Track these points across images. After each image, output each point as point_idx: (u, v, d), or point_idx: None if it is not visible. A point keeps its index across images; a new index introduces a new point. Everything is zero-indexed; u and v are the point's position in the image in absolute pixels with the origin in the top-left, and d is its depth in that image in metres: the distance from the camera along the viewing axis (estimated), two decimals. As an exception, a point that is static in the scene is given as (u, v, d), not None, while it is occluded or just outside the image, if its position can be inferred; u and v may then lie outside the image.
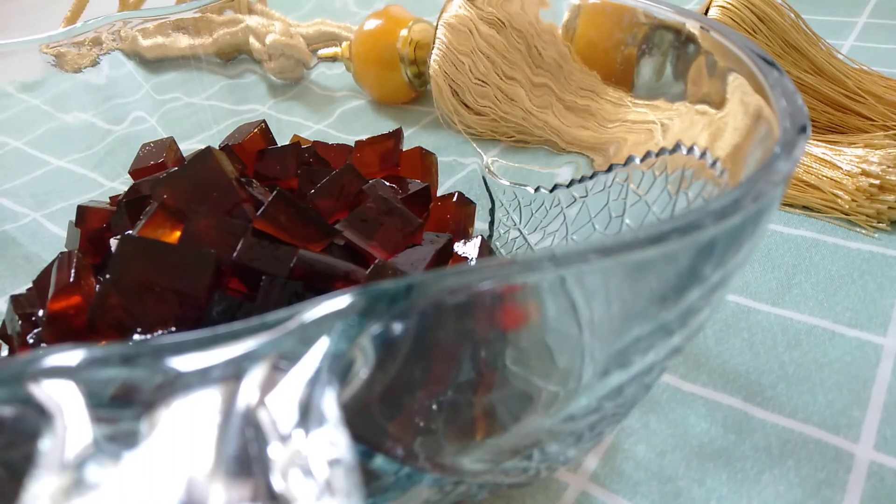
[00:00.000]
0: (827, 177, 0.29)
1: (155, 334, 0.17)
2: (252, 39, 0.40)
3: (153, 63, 0.34)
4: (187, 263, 0.18)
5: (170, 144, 0.26)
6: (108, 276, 0.18)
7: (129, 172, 0.25)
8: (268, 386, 0.09)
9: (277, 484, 0.08)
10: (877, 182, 0.28)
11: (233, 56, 0.38)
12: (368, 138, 0.28)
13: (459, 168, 0.32)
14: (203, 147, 0.22)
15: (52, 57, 0.31)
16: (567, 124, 0.29)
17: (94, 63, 0.32)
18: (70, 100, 0.32)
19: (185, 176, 0.21)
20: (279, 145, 0.26)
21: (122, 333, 0.18)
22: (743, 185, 0.12)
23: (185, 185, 0.20)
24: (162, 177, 0.21)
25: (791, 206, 0.29)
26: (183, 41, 0.35)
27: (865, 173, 0.28)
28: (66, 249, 0.22)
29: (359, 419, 0.11)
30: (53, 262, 0.21)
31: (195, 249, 0.18)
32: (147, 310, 0.17)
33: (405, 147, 0.28)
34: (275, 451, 0.08)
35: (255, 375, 0.09)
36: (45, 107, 0.32)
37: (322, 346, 0.09)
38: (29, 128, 0.32)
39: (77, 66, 0.32)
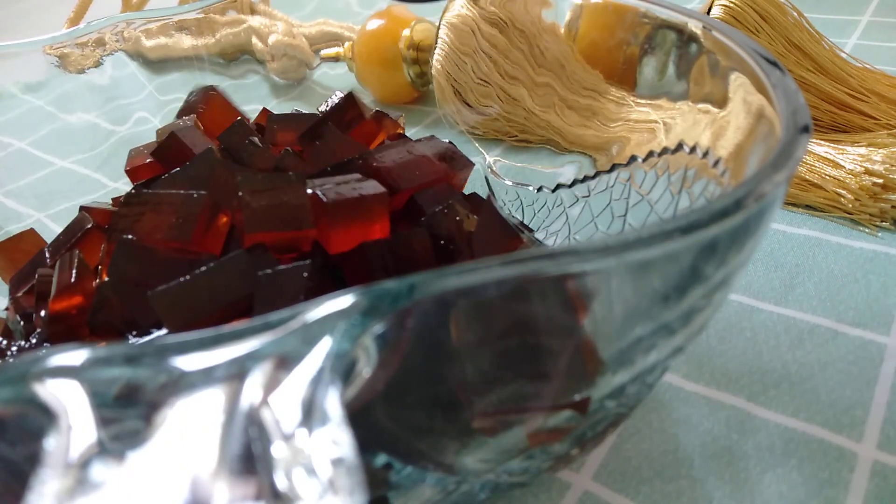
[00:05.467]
0: (830, 176, 0.29)
1: (155, 335, 0.17)
2: (255, 40, 0.40)
3: (156, 64, 0.34)
4: (183, 264, 0.18)
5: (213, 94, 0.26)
6: (106, 278, 0.18)
7: (126, 171, 0.25)
8: (271, 385, 0.09)
9: (281, 483, 0.08)
10: (880, 181, 0.27)
11: (236, 56, 0.38)
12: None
13: (462, 168, 0.32)
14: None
15: (56, 58, 0.31)
16: (569, 124, 0.29)
17: (98, 64, 0.32)
18: (73, 100, 0.32)
19: (186, 177, 0.21)
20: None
21: (123, 335, 0.18)
22: (745, 185, 0.12)
23: (185, 185, 0.20)
24: (163, 178, 0.21)
25: (794, 205, 0.29)
26: (186, 42, 0.35)
27: (869, 172, 0.28)
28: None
29: (362, 418, 0.11)
30: (56, 260, 0.21)
31: (192, 252, 0.18)
32: (147, 311, 0.17)
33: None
34: (278, 450, 0.08)
35: (259, 375, 0.09)
36: (48, 107, 0.32)
37: (325, 345, 0.09)
38: (33, 128, 0.32)
39: (80, 66, 0.32)
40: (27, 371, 0.09)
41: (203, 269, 0.17)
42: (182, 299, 0.16)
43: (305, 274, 0.16)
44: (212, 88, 0.27)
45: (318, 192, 0.18)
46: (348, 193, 0.18)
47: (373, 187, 0.19)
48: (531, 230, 0.26)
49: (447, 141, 0.25)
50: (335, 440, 0.08)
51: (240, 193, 0.18)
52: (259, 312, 0.16)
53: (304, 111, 0.28)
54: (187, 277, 0.16)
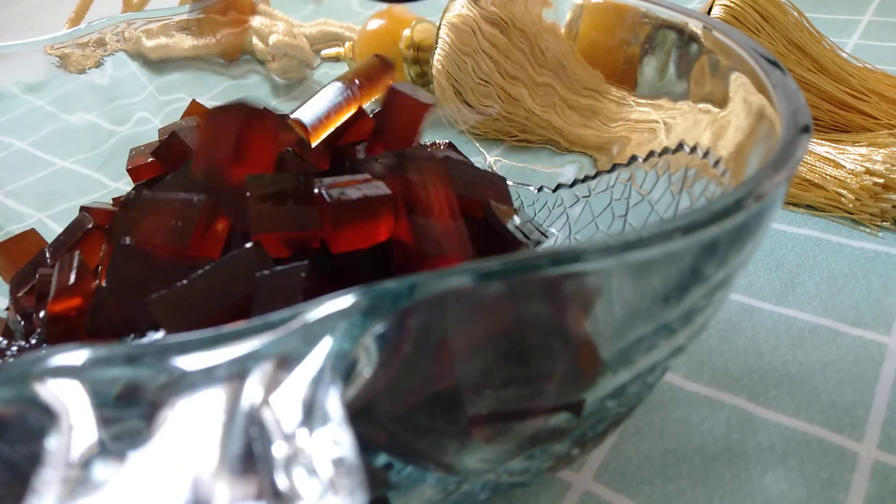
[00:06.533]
0: (831, 176, 0.29)
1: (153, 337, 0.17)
2: (255, 40, 0.40)
3: (157, 64, 0.34)
4: (182, 269, 0.18)
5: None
6: (104, 283, 0.18)
7: (127, 169, 0.25)
8: (272, 385, 0.09)
9: (281, 482, 0.08)
10: (881, 181, 0.27)
11: (236, 57, 0.38)
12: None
13: (462, 168, 0.32)
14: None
15: (57, 58, 0.31)
16: (570, 124, 0.29)
17: (98, 64, 0.32)
18: (74, 101, 0.32)
19: (186, 178, 0.21)
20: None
21: (121, 337, 0.18)
22: (745, 185, 0.12)
23: (184, 188, 0.20)
24: (163, 180, 0.21)
25: (795, 204, 0.29)
26: (187, 42, 0.35)
27: (869, 172, 0.28)
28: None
29: (362, 418, 0.11)
30: (56, 260, 0.21)
31: (190, 256, 0.18)
32: (145, 315, 0.17)
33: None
34: (279, 449, 0.08)
35: (259, 375, 0.09)
36: (49, 108, 0.32)
37: (325, 345, 0.09)
38: (33, 129, 0.32)
39: (81, 66, 0.32)
40: (28, 371, 0.09)
41: (199, 272, 0.17)
42: (180, 304, 0.16)
43: (303, 274, 0.16)
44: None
45: (324, 193, 0.18)
46: (352, 195, 0.18)
47: (379, 189, 0.19)
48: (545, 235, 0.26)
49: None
50: (336, 440, 0.08)
51: (248, 194, 0.18)
52: (257, 313, 0.16)
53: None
54: (184, 282, 0.16)
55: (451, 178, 0.20)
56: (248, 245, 0.17)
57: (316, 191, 0.18)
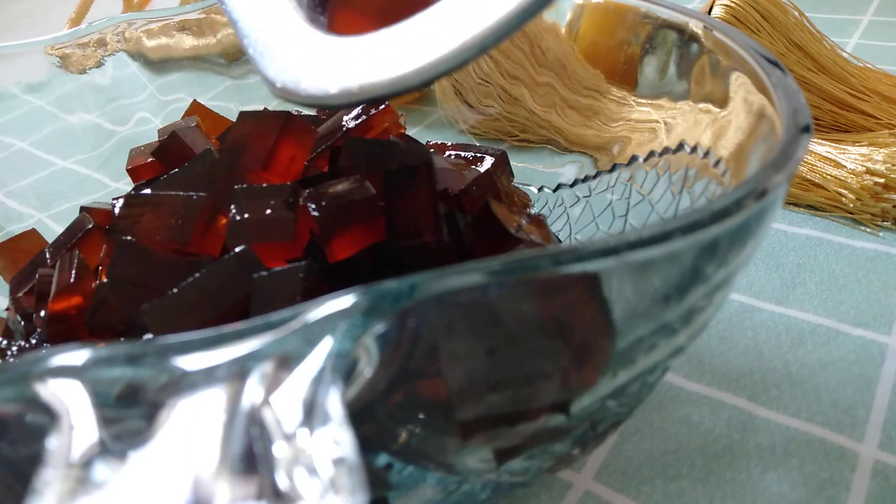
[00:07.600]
0: (831, 175, 0.29)
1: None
2: (256, 40, 0.40)
3: (158, 64, 0.34)
4: (182, 266, 0.18)
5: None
6: (105, 279, 0.18)
7: (127, 169, 0.25)
8: (272, 385, 0.09)
9: (282, 482, 0.08)
10: (881, 181, 0.27)
11: (237, 57, 0.38)
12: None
13: (463, 168, 0.32)
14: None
15: (57, 58, 0.31)
16: (571, 124, 0.29)
17: (99, 64, 0.32)
18: (75, 101, 0.32)
19: (185, 177, 0.21)
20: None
21: (121, 335, 0.18)
22: (745, 185, 0.12)
23: (184, 186, 0.20)
24: (163, 178, 0.21)
25: (795, 204, 0.29)
26: (187, 42, 0.35)
27: (870, 172, 0.28)
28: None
29: (363, 418, 0.11)
30: (56, 261, 0.21)
31: (190, 253, 0.18)
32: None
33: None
34: (279, 449, 0.08)
35: (260, 374, 0.09)
36: (50, 108, 0.32)
37: (326, 345, 0.09)
38: (34, 129, 0.32)
39: (82, 67, 0.32)
40: (29, 371, 0.09)
41: (190, 280, 0.16)
42: (172, 313, 0.16)
43: (301, 275, 0.16)
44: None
45: (309, 206, 0.18)
46: (338, 203, 0.18)
47: (362, 192, 0.19)
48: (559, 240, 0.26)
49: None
50: (336, 440, 0.08)
51: (230, 207, 0.18)
52: (255, 315, 0.16)
53: (304, 112, 0.28)
54: (175, 291, 0.16)
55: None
56: (238, 249, 0.17)
57: (302, 202, 0.18)
